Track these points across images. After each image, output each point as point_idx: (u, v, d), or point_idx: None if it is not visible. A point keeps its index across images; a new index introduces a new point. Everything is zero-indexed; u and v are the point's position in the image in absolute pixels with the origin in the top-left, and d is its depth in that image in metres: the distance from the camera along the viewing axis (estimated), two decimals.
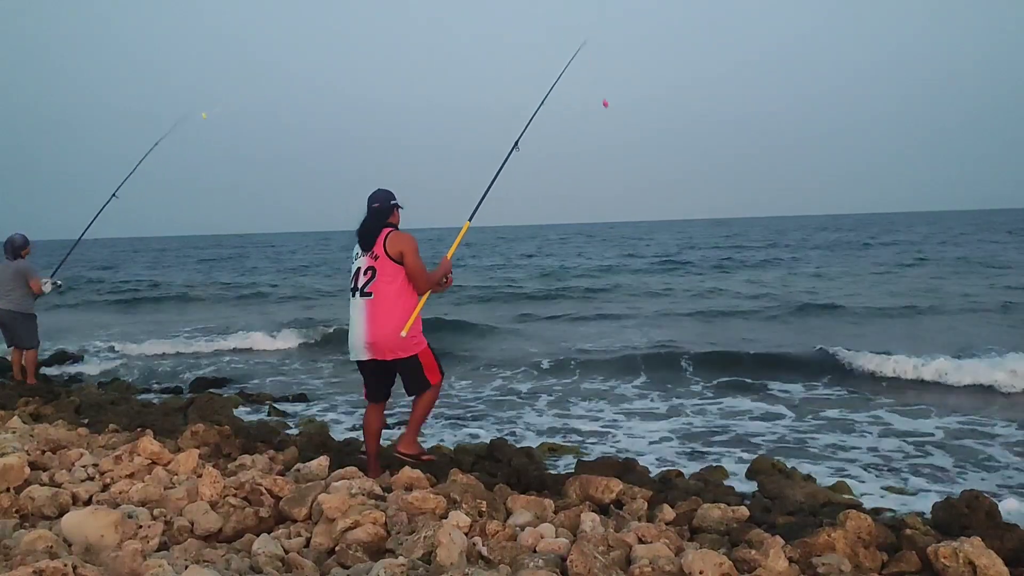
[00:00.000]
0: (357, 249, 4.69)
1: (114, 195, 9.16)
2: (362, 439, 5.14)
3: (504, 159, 5.37)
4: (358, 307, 4.59)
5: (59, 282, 9.09)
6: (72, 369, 11.74)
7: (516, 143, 5.44)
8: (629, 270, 29.84)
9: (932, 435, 6.90)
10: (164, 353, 13.21)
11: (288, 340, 13.96)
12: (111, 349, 13.42)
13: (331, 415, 8.20)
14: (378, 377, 4.75)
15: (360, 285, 4.57)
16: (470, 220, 5.21)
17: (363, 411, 5.08)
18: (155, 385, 10.29)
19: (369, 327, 4.53)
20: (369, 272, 4.54)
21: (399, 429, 6.67)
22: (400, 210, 4.75)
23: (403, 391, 4.86)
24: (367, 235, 4.61)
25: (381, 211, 4.66)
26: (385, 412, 5.08)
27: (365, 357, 4.61)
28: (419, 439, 5.04)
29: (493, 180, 5.31)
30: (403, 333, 4.50)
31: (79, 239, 9.48)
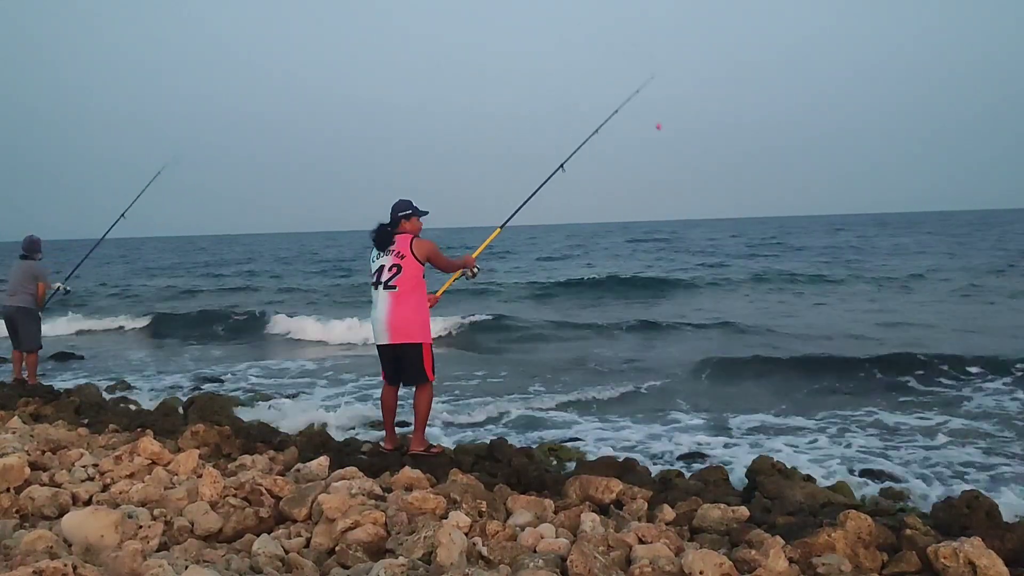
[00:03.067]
0: (376, 250, 5.39)
1: (123, 215, 9.51)
2: (361, 439, 5.35)
3: (548, 176, 5.76)
4: (383, 298, 5.30)
5: (68, 288, 9.23)
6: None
7: (562, 165, 5.99)
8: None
9: None
10: None
11: None
12: None
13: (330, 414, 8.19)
14: (391, 361, 5.44)
15: (384, 280, 5.28)
16: (501, 227, 5.70)
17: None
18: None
19: (391, 314, 5.25)
20: (394, 269, 5.26)
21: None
22: (424, 216, 5.48)
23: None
24: (383, 240, 5.34)
25: (395, 220, 5.39)
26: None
27: (386, 341, 5.32)
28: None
29: (533, 193, 5.76)
30: (440, 294, 5.60)
31: (92, 250, 9.69)
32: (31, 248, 8.85)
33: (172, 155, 10.02)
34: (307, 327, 16.04)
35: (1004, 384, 8.95)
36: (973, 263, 26.83)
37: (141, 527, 3.30)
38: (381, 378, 5.67)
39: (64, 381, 10.31)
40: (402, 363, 5.36)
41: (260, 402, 8.58)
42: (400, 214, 5.41)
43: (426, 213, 5.46)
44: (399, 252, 5.27)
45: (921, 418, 7.57)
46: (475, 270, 5.62)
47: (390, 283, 5.25)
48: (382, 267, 5.30)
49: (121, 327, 18.07)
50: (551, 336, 14.70)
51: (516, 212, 5.83)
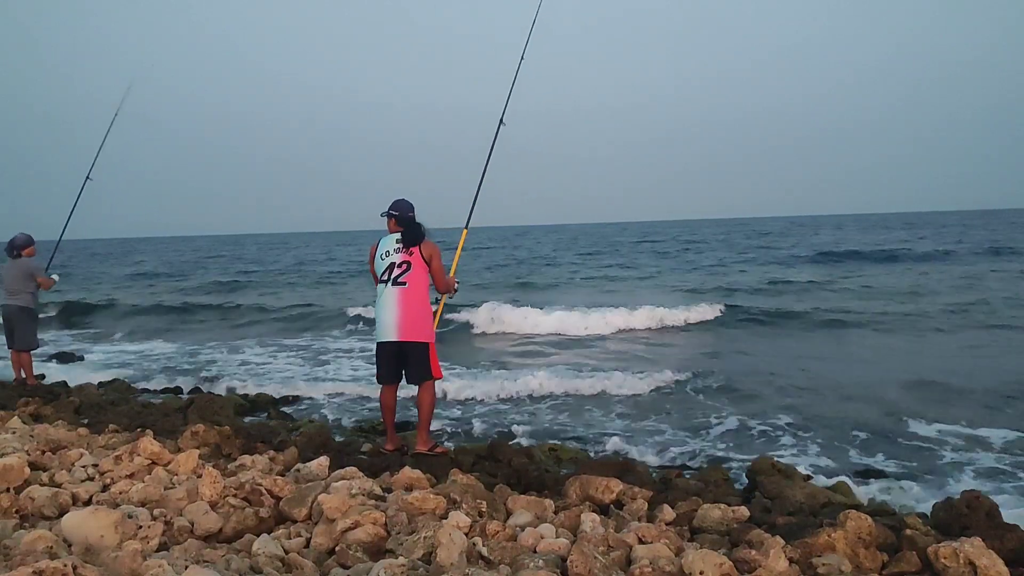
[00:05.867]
0: (388, 248, 5.42)
1: (88, 178, 9.41)
2: (362, 439, 5.33)
3: (492, 142, 5.83)
4: (391, 294, 5.32)
5: (56, 276, 9.21)
6: None
7: (501, 119, 6.06)
8: None
9: None
10: None
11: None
12: None
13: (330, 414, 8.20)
14: (395, 359, 5.41)
15: (394, 276, 5.33)
16: (467, 227, 5.71)
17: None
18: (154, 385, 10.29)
19: (401, 311, 5.30)
20: (404, 266, 5.34)
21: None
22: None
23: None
24: (412, 237, 5.39)
25: (417, 221, 5.48)
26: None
27: (393, 338, 5.32)
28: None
29: (484, 173, 5.88)
30: (438, 315, 5.70)
31: (62, 233, 9.63)
32: (23, 246, 8.83)
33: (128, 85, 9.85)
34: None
35: None
36: None
37: (141, 527, 3.30)
38: (376, 380, 5.62)
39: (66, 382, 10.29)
40: (408, 360, 5.36)
41: None
42: (411, 214, 5.50)
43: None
44: (411, 250, 5.37)
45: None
46: (456, 288, 5.73)
47: (400, 279, 5.31)
48: (392, 264, 5.36)
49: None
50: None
51: (473, 207, 6.08)
